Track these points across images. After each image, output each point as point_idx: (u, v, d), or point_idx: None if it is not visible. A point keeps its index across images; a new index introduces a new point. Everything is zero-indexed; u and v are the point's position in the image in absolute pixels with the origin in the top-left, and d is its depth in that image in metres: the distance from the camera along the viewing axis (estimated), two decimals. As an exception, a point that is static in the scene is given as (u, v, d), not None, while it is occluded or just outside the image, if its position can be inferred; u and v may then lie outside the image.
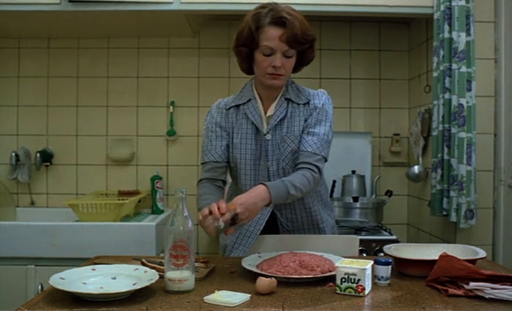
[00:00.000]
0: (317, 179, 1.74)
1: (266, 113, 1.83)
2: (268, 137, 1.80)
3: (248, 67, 1.82)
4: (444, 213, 2.52)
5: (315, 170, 1.73)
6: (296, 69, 1.82)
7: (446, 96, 2.48)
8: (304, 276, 1.47)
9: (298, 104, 1.82)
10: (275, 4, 1.74)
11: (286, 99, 1.82)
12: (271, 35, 1.68)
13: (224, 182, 1.87)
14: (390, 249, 1.65)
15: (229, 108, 1.86)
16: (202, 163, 1.87)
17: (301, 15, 1.73)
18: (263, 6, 1.74)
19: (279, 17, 1.68)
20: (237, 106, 1.85)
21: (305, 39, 1.71)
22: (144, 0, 2.58)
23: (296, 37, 1.68)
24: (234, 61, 1.86)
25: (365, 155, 3.22)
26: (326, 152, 1.78)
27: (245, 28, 1.72)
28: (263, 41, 1.69)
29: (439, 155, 2.52)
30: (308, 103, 1.83)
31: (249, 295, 1.33)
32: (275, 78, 1.74)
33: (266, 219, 1.84)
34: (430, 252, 1.64)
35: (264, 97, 1.83)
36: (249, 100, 1.83)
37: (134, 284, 1.35)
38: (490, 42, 2.60)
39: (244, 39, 1.74)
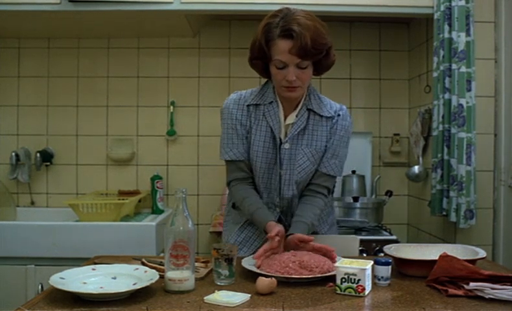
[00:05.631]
0: (327, 202, 1.85)
1: (285, 118, 1.77)
2: (286, 146, 1.76)
3: (268, 76, 1.77)
4: (444, 213, 2.52)
5: (327, 193, 1.82)
6: (317, 73, 1.74)
7: (446, 96, 2.48)
8: (304, 277, 1.47)
9: (321, 116, 1.78)
10: (288, 10, 1.65)
11: (307, 109, 1.77)
12: (281, 49, 1.61)
13: (253, 178, 1.83)
14: (390, 249, 1.65)
15: (249, 105, 1.79)
16: (224, 160, 1.82)
17: (316, 22, 1.64)
18: (275, 14, 1.65)
19: (287, 30, 1.59)
20: (257, 105, 1.79)
21: (317, 49, 1.62)
22: (144, 0, 2.58)
23: (306, 48, 1.59)
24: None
25: (365, 155, 3.21)
26: (342, 172, 1.85)
27: (256, 41, 1.67)
28: (274, 55, 1.63)
29: (439, 155, 2.52)
30: (331, 118, 1.79)
31: (249, 295, 1.33)
32: (290, 91, 1.68)
33: None
34: (430, 252, 1.64)
35: (285, 103, 1.77)
36: (271, 102, 1.77)
37: (134, 284, 1.35)
38: (490, 42, 2.60)
39: (256, 53, 1.69)
